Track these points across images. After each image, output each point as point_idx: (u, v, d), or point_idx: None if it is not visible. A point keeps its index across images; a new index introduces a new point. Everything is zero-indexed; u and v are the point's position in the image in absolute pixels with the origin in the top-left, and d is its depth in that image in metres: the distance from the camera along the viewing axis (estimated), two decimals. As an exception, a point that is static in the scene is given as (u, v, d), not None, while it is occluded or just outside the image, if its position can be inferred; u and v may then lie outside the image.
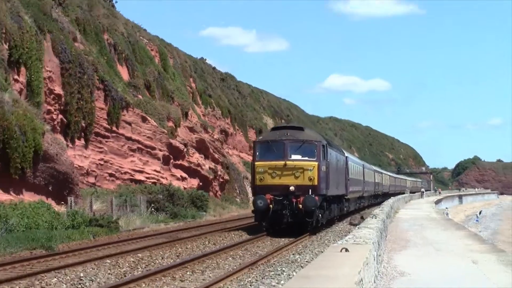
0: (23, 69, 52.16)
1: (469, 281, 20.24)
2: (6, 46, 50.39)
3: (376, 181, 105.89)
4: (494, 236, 79.47)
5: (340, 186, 62.74)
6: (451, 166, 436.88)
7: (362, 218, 55.65)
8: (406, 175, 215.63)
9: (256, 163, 48.23)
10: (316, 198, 45.60)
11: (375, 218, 35.70)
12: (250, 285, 23.26)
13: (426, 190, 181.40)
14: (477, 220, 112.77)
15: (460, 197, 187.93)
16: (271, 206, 45.27)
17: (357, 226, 33.35)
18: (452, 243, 33.44)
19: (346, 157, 71.48)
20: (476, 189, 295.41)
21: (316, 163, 47.06)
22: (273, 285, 22.44)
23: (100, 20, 78.47)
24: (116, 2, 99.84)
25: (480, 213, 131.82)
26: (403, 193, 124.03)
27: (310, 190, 45.53)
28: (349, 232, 28.60)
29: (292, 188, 45.22)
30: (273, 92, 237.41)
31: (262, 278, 24.60)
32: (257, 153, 48.85)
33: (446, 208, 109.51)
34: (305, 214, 45.87)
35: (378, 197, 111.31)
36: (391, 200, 76.46)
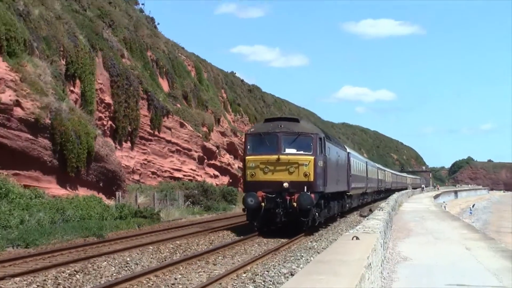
0: (78, 81, 52.49)
1: (463, 265, 20.17)
2: (63, 62, 50.72)
3: (379, 178, 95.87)
4: (485, 226, 79.11)
5: (341, 182, 52.61)
6: (447, 165, 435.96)
7: (371, 211, 52.44)
8: (409, 173, 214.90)
9: (246, 157, 39.47)
10: (312, 195, 37.32)
11: (382, 210, 35.65)
12: (274, 268, 23.12)
13: (426, 186, 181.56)
14: (470, 213, 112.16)
15: (455, 192, 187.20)
16: (263, 204, 37.09)
17: (366, 217, 33.23)
18: (449, 232, 33.37)
19: (348, 153, 60.86)
20: (469, 185, 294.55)
21: (312, 157, 38.43)
22: (293, 268, 22.37)
23: (144, 39, 78.67)
24: (158, 24, 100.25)
25: (473, 206, 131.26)
26: (405, 189, 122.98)
27: (305, 187, 37.28)
28: (359, 223, 28.46)
29: (285, 184, 37.02)
30: (294, 101, 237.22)
31: (284, 262, 24.55)
32: (248, 147, 40.17)
33: (444, 202, 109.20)
34: (300, 213, 37.55)
35: (381, 193, 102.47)
36: (395, 195, 75.99)
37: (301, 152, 38.62)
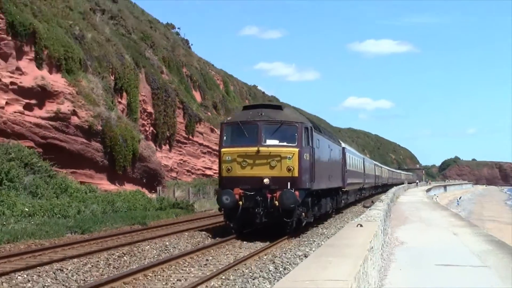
0: (124, 94, 52.83)
1: (451, 248, 20.15)
2: (112, 78, 51.15)
3: (376, 174, 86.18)
4: (470, 215, 78.70)
5: (335, 178, 42.18)
6: (438, 163, 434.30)
7: (372, 202, 50.84)
8: (404, 170, 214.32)
9: (222, 149, 29.89)
10: (297, 193, 27.95)
11: (382, 202, 35.52)
12: (290, 251, 23.05)
13: (419, 182, 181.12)
14: (457, 203, 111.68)
15: (445, 187, 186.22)
16: (240, 203, 28.18)
17: (369, 208, 33.19)
18: (439, 220, 33.26)
19: (343, 148, 49.94)
20: (456, 181, 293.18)
21: (297, 149, 28.84)
22: (307, 251, 22.36)
23: (180, 58, 78.95)
24: (191, 44, 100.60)
25: (460, 198, 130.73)
26: (400, 184, 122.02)
27: (289, 183, 28.02)
28: (363, 213, 28.43)
29: (266, 180, 27.83)
30: (307, 110, 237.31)
31: (299, 246, 24.53)
32: (224, 138, 30.25)
33: (435, 194, 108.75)
34: (283, 213, 28.19)
35: (379, 188, 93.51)
36: (393, 189, 75.67)
37: (284, 143, 29.28)
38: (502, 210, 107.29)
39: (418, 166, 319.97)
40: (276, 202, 27.48)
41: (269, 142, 28.95)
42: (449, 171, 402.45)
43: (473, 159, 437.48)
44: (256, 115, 29.44)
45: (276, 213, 27.85)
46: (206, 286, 15.92)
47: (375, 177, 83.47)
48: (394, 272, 15.12)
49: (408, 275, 14.69)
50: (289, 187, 27.67)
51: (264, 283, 16.21)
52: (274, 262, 20.11)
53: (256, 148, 28.37)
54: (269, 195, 27.58)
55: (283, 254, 22.02)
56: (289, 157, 28.43)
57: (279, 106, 32.16)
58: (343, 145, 49.93)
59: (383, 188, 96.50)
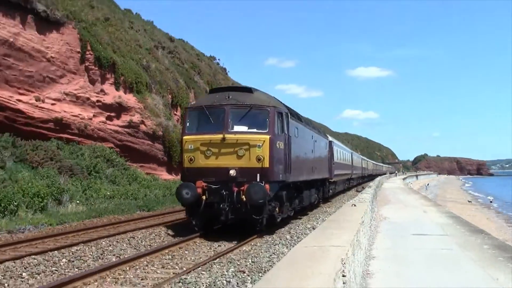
0: (179, 108, 52.93)
1: (422, 221, 20.09)
2: (170, 96, 51.49)
3: (363, 166, 78.79)
4: (435, 197, 77.88)
5: (320, 169, 31.75)
6: (411, 158, 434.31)
7: (363, 188, 49.05)
8: (386, 164, 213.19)
9: (184, 137, 20.79)
10: (267, 186, 19.50)
11: (370, 188, 35.42)
12: (301, 225, 22.62)
13: (398, 172, 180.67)
14: (426, 189, 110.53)
15: (416, 176, 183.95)
16: (204, 197, 19.80)
17: (361, 192, 33.06)
18: (413, 201, 33.08)
19: (330, 141, 40.14)
20: (425, 171, 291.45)
21: (268, 136, 20.00)
22: (315, 225, 22.25)
23: (219, 81, 78.81)
24: (228, 71, 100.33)
25: (427, 185, 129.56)
26: (383, 174, 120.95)
27: (258, 175, 19.76)
28: (356, 196, 28.30)
29: (232, 172, 19.68)
30: (314, 119, 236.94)
31: (308, 221, 24.41)
32: (187, 124, 21.10)
33: (409, 182, 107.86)
34: (251, 209, 19.64)
35: (365, 178, 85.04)
36: (378, 178, 75.24)
37: (254, 130, 20.24)
38: (459, 193, 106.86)
39: (397, 160, 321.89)
40: (243, 197, 18.96)
41: (236, 128, 20.22)
42: (419, 164, 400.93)
43: (438, 155, 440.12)
44: (223, 99, 20.35)
45: (243, 209, 19.26)
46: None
47: (362, 169, 75.99)
48: (380, 239, 15.09)
49: (390, 242, 14.65)
50: (258, 179, 19.22)
51: (283, 248, 16.14)
52: (290, 232, 19.83)
53: (221, 136, 19.53)
54: (235, 189, 19.14)
55: (296, 227, 21.75)
56: (259, 145, 19.59)
57: (249, 89, 21.66)
58: (330, 138, 39.93)
59: (369, 177, 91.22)
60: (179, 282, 10.97)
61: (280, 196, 20.98)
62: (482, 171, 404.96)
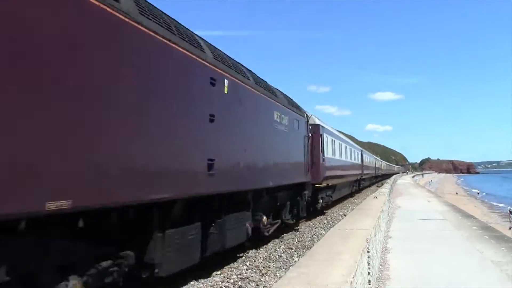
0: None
1: (426, 209, 19.72)
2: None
3: (376, 166, 59.57)
4: (437, 191, 75.87)
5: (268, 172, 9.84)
6: (418, 161, 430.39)
7: (382, 184, 46.30)
8: (398, 165, 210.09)
9: None
10: None
11: (388, 184, 34.87)
12: (335, 213, 21.67)
13: (408, 172, 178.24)
14: (429, 184, 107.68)
15: (422, 174, 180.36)
16: None
17: (380, 187, 32.48)
18: (419, 194, 32.39)
19: (319, 125, 17.81)
20: (429, 171, 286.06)
21: None
22: (346, 213, 21.87)
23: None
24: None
25: (430, 181, 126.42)
26: (395, 174, 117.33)
27: None
28: (377, 191, 27.82)
29: None
30: (344, 131, 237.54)
31: (341, 209, 24.08)
32: None
33: (417, 179, 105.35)
34: None
35: (379, 177, 65.91)
36: (393, 177, 73.83)
37: None
38: (454, 187, 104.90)
39: (407, 163, 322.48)
40: None
41: None
42: (424, 165, 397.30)
43: (438, 159, 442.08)
44: None
45: None
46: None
47: (375, 169, 57.23)
48: (395, 223, 14.84)
49: (403, 225, 14.41)
50: None
51: (321, 230, 15.96)
52: (326, 218, 19.70)
53: None
54: None
55: (332, 214, 21.49)
56: None
57: None
58: (318, 121, 18.37)
59: (382, 177, 73.69)
60: (242, 255, 10.79)
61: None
62: (470, 170, 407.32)
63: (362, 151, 40.37)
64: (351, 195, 32.52)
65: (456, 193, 74.99)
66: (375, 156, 70.03)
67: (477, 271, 8.00)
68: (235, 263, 9.88)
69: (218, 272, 8.94)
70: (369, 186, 48.71)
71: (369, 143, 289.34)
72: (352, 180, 31.60)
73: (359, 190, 38.30)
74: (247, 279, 8.46)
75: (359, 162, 35.96)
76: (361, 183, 39.52)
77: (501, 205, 49.45)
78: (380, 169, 73.29)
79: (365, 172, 40.04)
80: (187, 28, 7.04)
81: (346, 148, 27.02)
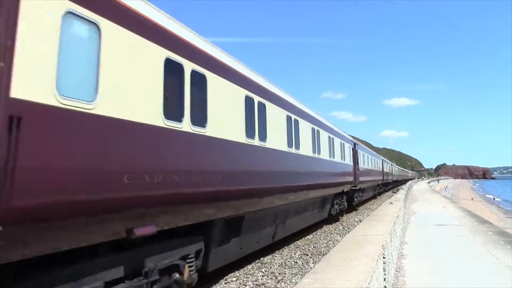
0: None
1: (442, 215, 19.55)
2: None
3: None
4: (452, 196, 75.07)
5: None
6: (433, 167, 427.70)
7: (398, 190, 45.62)
8: (413, 171, 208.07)
9: None
10: None
11: (403, 190, 34.64)
12: (351, 218, 21.55)
13: (424, 177, 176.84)
14: (445, 190, 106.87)
15: (438, 180, 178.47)
16: None
17: (396, 193, 32.25)
18: (435, 199, 32.11)
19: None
20: (444, 176, 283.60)
21: None
22: (361, 218, 21.76)
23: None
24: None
25: (446, 187, 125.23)
26: (409, 180, 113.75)
27: None
28: (392, 196, 27.59)
29: None
30: (359, 137, 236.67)
31: (356, 215, 23.94)
32: None
33: (433, 185, 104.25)
34: None
35: (397, 182, 66.01)
36: (408, 182, 73.05)
37: None
38: (470, 193, 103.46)
39: (423, 168, 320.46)
40: None
41: None
42: (440, 171, 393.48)
43: (453, 164, 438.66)
44: None
45: None
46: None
47: (394, 175, 59.22)
48: (410, 229, 14.72)
49: (418, 231, 14.28)
50: None
51: (337, 236, 15.89)
52: (342, 224, 19.57)
53: None
54: None
55: (348, 220, 21.33)
56: None
57: None
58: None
59: (395, 184, 65.56)
60: (258, 262, 10.79)
61: None
62: (486, 176, 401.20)
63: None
64: (374, 196, 36.45)
65: (472, 199, 74.10)
66: (391, 163, 69.12)
67: (493, 276, 7.93)
68: (251, 269, 9.87)
69: (234, 279, 8.94)
70: (388, 190, 49.42)
71: (384, 149, 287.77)
72: (375, 185, 35.83)
73: (380, 193, 42.33)
74: (263, 286, 8.45)
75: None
76: (381, 187, 43.65)
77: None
78: (396, 175, 71.52)
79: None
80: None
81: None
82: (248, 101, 8.63)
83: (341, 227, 18.40)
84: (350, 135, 25.01)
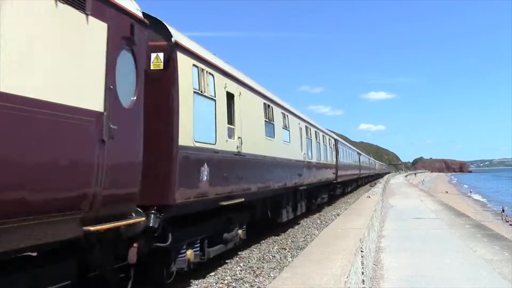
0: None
1: (420, 208, 19.85)
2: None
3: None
4: (429, 190, 76.32)
5: None
6: (411, 160, 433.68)
7: (375, 183, 45.41)
8: (391, 165, 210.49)
9: None
10: None
11: (380, 183, 34.97)
12: (329, 212, 21.29)
13: (401, 171, 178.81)
14: (422, 183, 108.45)
15: (415, 174, 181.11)
16: None
17: (373, 187, 32.58)
18: (412, 193, 32.54)
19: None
20: (421, 170, 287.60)
21: None
22: (340, 212, 21.86)
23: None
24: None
25: (423, 180, 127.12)
26: (388, 173, 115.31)
27: None
28: (370, 190, 27.88)
29: None
30: (336, 131, 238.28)
31: (333, 210, 24.02)
32: None
33: (410, 178, 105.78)
34: None
35: (373, 176, 64.24)
36: (386, 176, 73.94)
37: None
38: (447, 186, 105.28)
39: (400, 162, 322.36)
40: None
41: None
42: (417, 165, 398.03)
43: (430, 158, 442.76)
44: None
45: None
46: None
47: (370, 168, 57.51)
48: (388, 222, 14.88)
49: (396, 224, 14.45)
50: None
51: (315, 230, 15.95)
52: (319, 218, 19.56)
53: None
54: None
55: (325, 214, 21.34)
56: None
57: None
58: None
59: (378, 176, 70.89)
60: (236, 256, 10.76)
61: None
62: (463, 169, 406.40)
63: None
64: (351, 191, 36.05)
65: (446, 192, 75.39)
66: (371, 158, 69.75)
67: (470, 269, 8.07)
68: (229, 264, 9.86)
69: (212, 273, 8.92)
70: (365, 184, 49.47)
71: (362, 143, 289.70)
72: (353, 179, 36.04)
73: (357, 186, 42.47)
74: (241, 280, 8.45)
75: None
76: (359, 181, 43.58)
77: (491, 203, 49.95)
78: (374, 168, 70.63)
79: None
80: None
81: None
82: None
83: (318, 221, 18.45)
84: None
